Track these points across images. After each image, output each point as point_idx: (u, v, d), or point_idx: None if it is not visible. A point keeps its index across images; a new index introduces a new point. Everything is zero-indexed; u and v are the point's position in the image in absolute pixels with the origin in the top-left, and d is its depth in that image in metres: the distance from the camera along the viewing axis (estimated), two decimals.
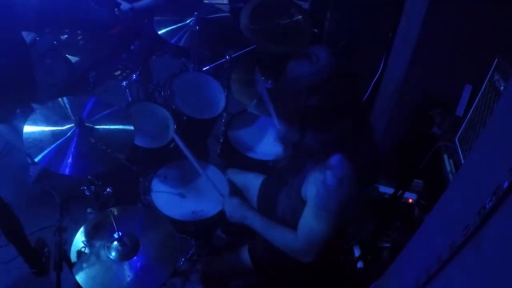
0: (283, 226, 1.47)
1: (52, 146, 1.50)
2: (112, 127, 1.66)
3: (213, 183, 1.81)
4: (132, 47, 4.21)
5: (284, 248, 1.43)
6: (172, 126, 2.19)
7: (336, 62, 1.28)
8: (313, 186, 1.33)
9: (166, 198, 1.94)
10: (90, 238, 1.51)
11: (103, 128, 1.64)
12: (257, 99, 2.26)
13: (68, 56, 3.61)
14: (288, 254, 1.42)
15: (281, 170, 1.62)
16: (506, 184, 0.79)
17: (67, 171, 1.46)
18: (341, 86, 1.28)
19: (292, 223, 1.51)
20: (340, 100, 1.27)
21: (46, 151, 1.47)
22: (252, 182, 1.97)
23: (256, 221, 1.49)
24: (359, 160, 1.32)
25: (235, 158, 2.26)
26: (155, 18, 2.44)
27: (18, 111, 2.81)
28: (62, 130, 1.55)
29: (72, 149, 1.51)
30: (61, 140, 1.52)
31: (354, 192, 1.32)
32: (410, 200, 2.17)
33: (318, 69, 1.26)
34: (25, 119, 1.57)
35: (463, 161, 1.70)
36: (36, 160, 1.46)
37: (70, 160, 1.48)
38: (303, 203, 1.40)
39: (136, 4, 2.97)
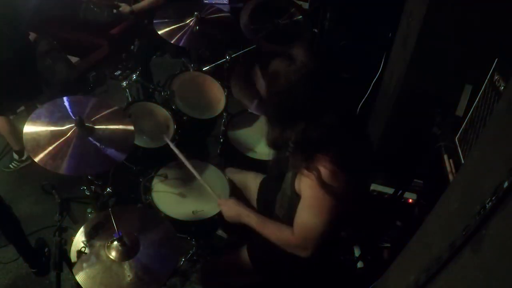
0: (278, 222, 1.49)
1: (52, 146, 1.49)
2: (112, 127, 1.66)
3: (209, 186, 1.80)
4: (132, 47, 4.22)
5: (281, 244, 1.44)
6: (172, 126, 2.19)
7: (315, 60, 1.29)
8: (304, 181, 1.33)
9: (166, 198, 1.94)
10: (90, 238, 1.50)
11: (103, 128, 1.64)
12: (257, 99, 2.25)
13: (68, 56, 3.62)
14: (285, 249, 1.43)
15: (273, 166, 1.64)
16: (506, 184, 0.79)
17: (67, 171, 1.46)
18: (320, 83, 1.29)
19: (290, 219, 1.51)
20: (319, 97, 1.28)
21: (46, 151, 1.47)
22: (252, 181, 1.97)
23: (251, 219, 1.52)
24: (349, 156, 1.32)
25: (235, 158, 2.26)
26: (155, 18, 2.44)
27: (22, 108, 2.83)
28: (62, 130, 1.55)
29: (72, 149, 1.51)
30: (61, 140, 1.52)
31: (346, 188, 1.32)
32: (410, 200, 2.17)
33: (296, 67, 1.27)
34: (26, 118, 1.58)
35: (463, 161, 1.69)
36: (36, 160, 1.46)
37: (70, 160, 1.48)
38: (298, 196, 1.41)
39: (136, 6, 2.97)
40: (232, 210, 1.60)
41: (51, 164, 1.46)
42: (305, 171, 1.32)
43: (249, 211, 1.56)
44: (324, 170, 1.28)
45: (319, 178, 1.28)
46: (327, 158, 1.28)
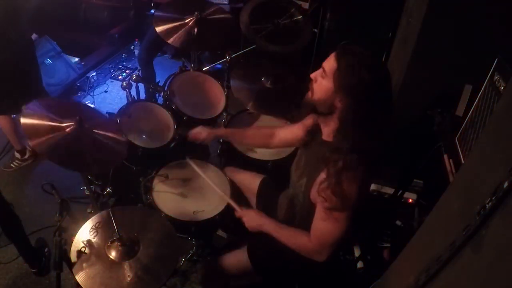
0: (296, 228, 1.50)
1: (51, 135, 1.48)
2: (108, 134, 1.66)
3: (229, 200, 1.80)
4: (132, 47, 4.21)
5: (298, 249, 1.45)
6: (172, 126, 2.19)
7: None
8: (322, 189, 1.33)
9: (167, 198, 1.94)
10: (90, 238, 1.51)
11: (102, 131, 1.64)
12: (257, 99, 2.26)
13: (68, 56, 3.62)
14: (302, 254, 1.44)
15: (286, 171, 1.65)
16: (506, 184, 0.79)
17: (64, 165, 1.45)
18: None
19: (300, 223, 1.51)
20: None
21: (43, 138, 1.46)
22: (251, 181, 1.97)
23: (270, 227, 1.53)
24: (373, 164, 1.34)
25: (235, 158, 2.26)
26: (155, 17, 2.43)
27: (24, 106, 2.82)
28: (61, 126, 1.55)
29: (72, 148, 1.51)
30: (59, 132, 1.51)
31: (365, 193, 1.33)
32: (410, 200, 2.17)
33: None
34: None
35: (463, 161, 1.70)
36: (31, 144, 1.44)
37: (68, 156, 1.48)
38: (312, 204, 1.41)
39: None
40: (254, 221, 1.60)
41: (46, 150, 1.44)
42: (322, 178, 1.33)
43: (266, 219, 1.57)
44: (352, 175, 1.29)
45: (343, 186, 1.29)
46: (362, 161, 1.29)
